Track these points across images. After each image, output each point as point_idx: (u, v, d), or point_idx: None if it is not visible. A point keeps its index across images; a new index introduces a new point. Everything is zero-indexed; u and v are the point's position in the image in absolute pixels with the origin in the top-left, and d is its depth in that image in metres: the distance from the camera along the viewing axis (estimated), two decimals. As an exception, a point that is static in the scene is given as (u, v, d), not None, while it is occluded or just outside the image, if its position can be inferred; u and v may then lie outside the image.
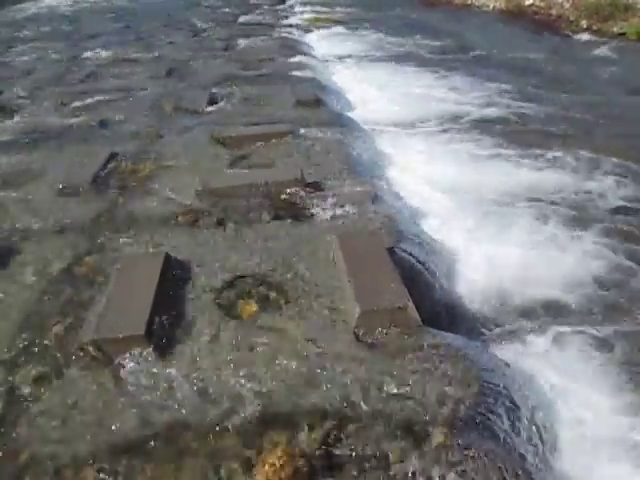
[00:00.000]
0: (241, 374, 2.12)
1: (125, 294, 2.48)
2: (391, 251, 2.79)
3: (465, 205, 3.73)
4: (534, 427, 2.06)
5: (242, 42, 9.02)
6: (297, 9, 14.20)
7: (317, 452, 1.81)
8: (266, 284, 2.64)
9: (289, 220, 3.22)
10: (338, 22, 11.69)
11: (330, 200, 3.39)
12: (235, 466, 1.79)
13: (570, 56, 8.59)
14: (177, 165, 4.08)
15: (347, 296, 2.46)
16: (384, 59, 8.35)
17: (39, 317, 2.51)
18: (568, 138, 5.10)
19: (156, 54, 8.27)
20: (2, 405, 2.07)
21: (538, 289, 2.97)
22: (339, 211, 3.29)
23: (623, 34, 9.62)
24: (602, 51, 8.80)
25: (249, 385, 2.07)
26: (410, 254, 2.94)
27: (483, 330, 2.71)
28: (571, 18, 10.93)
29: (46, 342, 2.36)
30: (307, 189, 3.50)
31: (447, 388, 2.02)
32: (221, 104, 5.61)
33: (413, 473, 1.74)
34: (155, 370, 2.16)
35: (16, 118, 5.46)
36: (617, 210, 3.87)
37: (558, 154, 4.66)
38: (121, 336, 2.24)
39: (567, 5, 11.35)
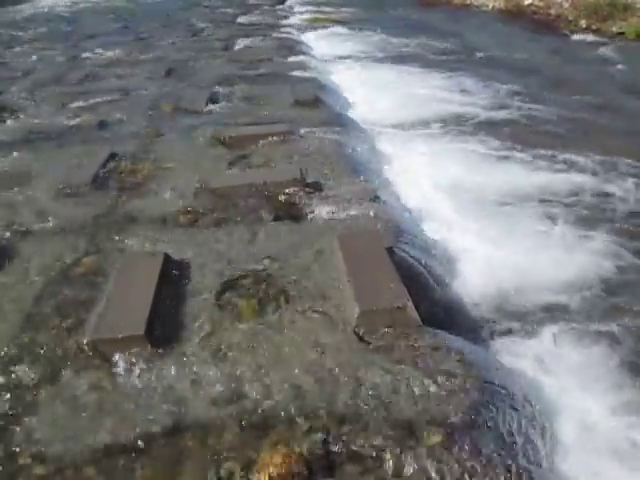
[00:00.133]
0: (241, 374, 2.12)
1: (125, 294, 2.48)
2: (390, 251, 2.78)
3: (467, 206, 3.71)
4: (534, 427, 2.06)
5: (241, 42, 9.02)
6: (296, 9, 14.21)
7: (317, 452, 1.81)
8: (266, 284, 2.64)
9: (289, 220, 3.22)
10: (337, 22, 11.70)
11: (330, 200, 3.39)
12: (235, 466, 1.79)
13: (570, 56, 8.59)
14: (176, 165, 4.08)
15: (347, 296, 2.46)
16: (384, 59, 8.35)
17: (38, 317, 2.51)
18: (574, 139, 5.07)
19: (155, 54, 8.27)
20: (2, 406, 2.07)
21: (540, 290, 2.95)
22: (339, 211, 3.29)
23: (622, 34, 9.63)
24: (602, 51, 8.80)
25: (249, 385, 2.07)
26: (410, 254, 2.94)
27: (483, 330, 2.71)
28: (570, 18, 10.94)
29: (45, 342, 2.35)
30: (307, 189, 3.50)
31: (447, 388, 2.02)
32: (221, 104, 5.61)
33: (411, 473, 1.73)
34: (155, 370, 2.15)
35: (16, 118, 5.46)
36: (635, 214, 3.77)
37: (566, 155, 4.59)
38: (121, 336, 2.24)
39: (566, 5, 11.36)
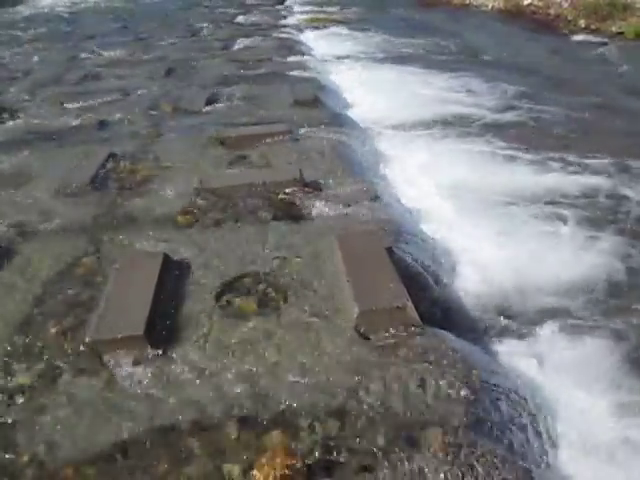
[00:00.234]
0: (241, 374, 2.12)
1: (124, 294, 2.48)
2: (390, 251, 2.78)
3: (468, 206, 3.70)
4: (534, 426, 2.06)
5: (241, 42, 9.02)
6: (296, 9, 14.21)
7: (317, 452, 1.81)
8: (265, 284, 2.64)
9: (288, 220, 3.22)
10: (336, 22, 11.69)
11: (329, 200, 3.39)
12: (235, 467, 1.79)
13: (571, 56, 8.58)
14: (176, 165, 4.07)
15: (346, 296, 2.46)
16: (384, 59, 8.34)
17: (38, 318, 2.51)
18: (578, 139, 5.03)
19: (155, 54, 8.27)
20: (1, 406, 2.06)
21: (542, 291, 2.94)
22: (338, 211, 3.29)
23: (621, 33, 9.62)
24: (602, 51, 8.79)
25: (249, 385, 2.07)
26: (410, 254, 2.94)
27: (483, 330, 2.70)
28: (569, 18, 10.94)
29: (45, 343, 2.35)
30: (306, 189, 3.50)
31: (447, 388, 2.02)
32: (220, 104, 5.61)
33: (411, 473, 1.73)
34: (154, 370, 2.15)
35: (15, 119, 5.46)
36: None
37: (570, 155, 4.55)
38: (120, 336, 2.24)
39: (565, 5, 11.36)
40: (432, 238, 3.32)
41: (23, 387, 2.14)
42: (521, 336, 2.63)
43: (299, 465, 1.76)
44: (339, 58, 8.43)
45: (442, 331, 2.37)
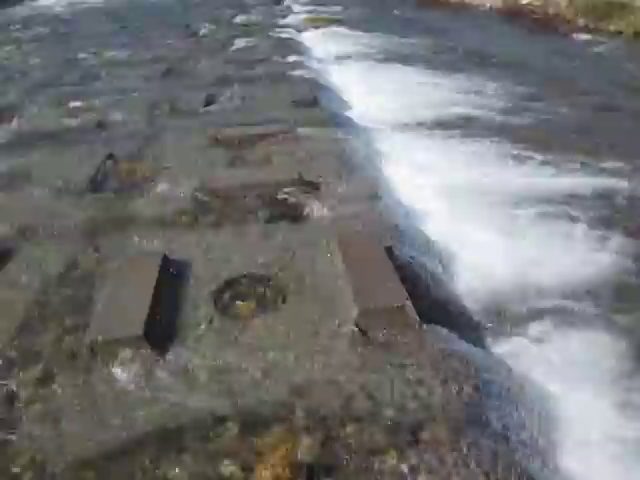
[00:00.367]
0: (240, 374, 2.12)
1: (123, 295, 2.48)
2: (389, 250, 2.78)
3: (467, 206, 3.68)
4: (534, 425, 2.06)
5: (239, 42, 9.03)
6: (294, 9, 14.20)
7: (317, 452, 1.81)
8: (264, 284, 2.64)
9: (287, 220, 3.22)
10: (335, 22, 11.68)
11: (328, 200, 3.39)
12: (235, 467, 1.78)
13: (571, 56, 8.56)
14: (174, 166, 4.07)
15: (346, 295, 2.46)
16: (383, 59, 8.33)
17: (37, 319, 2.51)
18: (581, 139, 5.00)
19: (153, 54, 8.27)
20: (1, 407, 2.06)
21: (542, 291, 2.93)
22: (337, 211, 3.29)
23: (620, 32, 9.63)
24: (602, 50, 8.79)
25: (249, 385, 2.07)
26: (409, 253, 2.94)
27: (482, 329, 2.70)
28: (568, 17, 10.95)
29: (44, 344, 2.35)
30: (305, 189, 3.50)
31: (446, 386, 2.02)
32: (219, 104, 5.61)
33: (411, 471, 1.73)
34: (154, 371, 2.15)
35: (13, 120, 5.45)
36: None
37: (573, 156, 4.50)
38: (119, 337, 2.23)
39: (564, 4, 11.36)
40: (432, 238, 3.32)
41: (21, 388, 2.13)
42: (520, 335, 2.63)
43: (299, 465, 1.76)
44: (338, 58, 8.43)
45: (441, 330, 2.37)
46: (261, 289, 2.61)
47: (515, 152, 4.64)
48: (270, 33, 9.98)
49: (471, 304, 2.83)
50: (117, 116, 5.34)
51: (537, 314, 2.77)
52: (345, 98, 6.29)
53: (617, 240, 3.35)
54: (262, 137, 4.43)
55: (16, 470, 1.82)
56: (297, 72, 6.82)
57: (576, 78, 7.30)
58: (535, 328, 2.67)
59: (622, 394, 2.23)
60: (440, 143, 4.93)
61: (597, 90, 6.69)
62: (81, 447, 1.87)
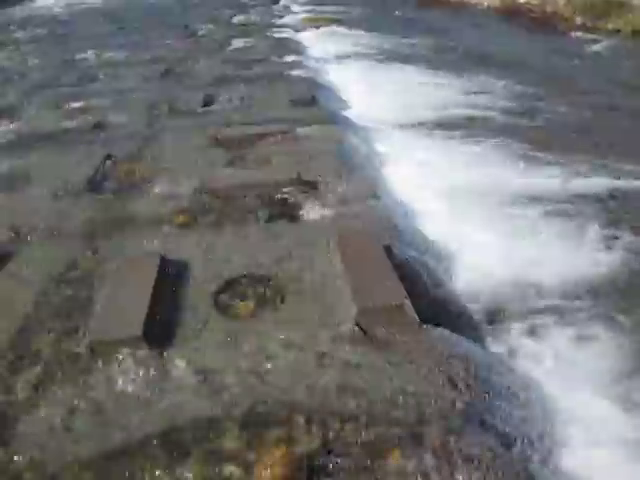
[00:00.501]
0: (239, 374, 2.12)
1: (122, 296, 2.48)
2: (388, 249, 2.78)
3: (467, 206, 3.67)
4: (534, 424, 2.06)
5: (237, 42, 9.02)
6: (292, 9, 14.19)
7: (317, 452, 1.81)
8: (263, 284, 2.64)
9: (286, 220, 3.22)
10: (334, 21, 11.67)
11: (327, 199, 3.39)
12: (235, 467, 1.78)
13: (570, 55, 8.53)
14: (173, 166, 4.07)
15: (345, 294, 2.46)
16: (381, 58, 8.32)
17: (36, 320, 2.50)
18: (584, 139, 5.01)
19: (152, 55, 8.26)
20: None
21: (542, 290, 2.93)
22: (336, 210, 3.29)
23: (618, 31, 9.63)
24: (600, 49, 8.79)
25: (248, 385, 2.07)
26: (408, 252, 2.94)
27: (481, 328, 2.70)
28: (565, 15, 10.95)
29: (43, 345, 2.34)
30: (304, 188, 3.50)
31: (445, 385, 2.02)
32: (217, 104, 5.61)
33: (412, 470, 1.73)
34: (153, 371, 2.15)
35: (11, 121, 5.45)
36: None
37: (577, 156, 4.48)
38: (118, 338, 2.23)
39: (561, 2, 11.37)
40: (430, 237, 3.32)
41: (20, 390, 2.13)
42: (520, 334, 2.63)
43: (299, 465, 1.76)
44: (337, 57, 8.42)
45: (440, 329, 2.37)
46: (260, 289, 2.61)
47: (515, 152, 4.64)
48: (268, 33, 9.97)
49: (470, 303, 2.83)
50: (116, 117, 5.34)
51: (536, 313, 2.77)
52: (344, 97, 6.28)
53: (621, 240, 3.34)
54: (261, 137, 4.43)
55: (16, 471, 1.82)
56: (295, 72, 6.81)
57: (575, 77, 7.30)
58: (534, 327, 2.67)
59: (623, 393, 2.24)
60: (439, 143, 4.92)
61: (596, 89, 6.69)
62: (80, 448, 1.87)
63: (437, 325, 2.39)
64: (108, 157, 4.25)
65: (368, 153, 4.50)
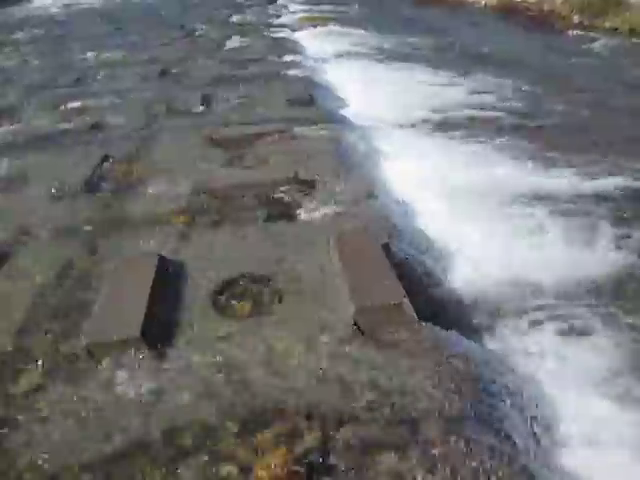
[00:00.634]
0: (238, 374, 2.11)
1: (120, 296, 2.47)
2: (387, 248, 2.78)
3: (466, 205, 3.65)
4: (532, 421, 2.06)
5: (234, 42, 9.01)
6: (289, 8, 14.18)
7: (316, 450, 1.81)
8: (261, 283, 2.64)
9: (284, 219, 3.22)
10: (331, 21, 11.66)
11: (325, 198, 3.38)
12: (234, 467, 1.78)
13: (569, 53, 8.52)
14: (171, 166, 4.07)
15: (343, 293, 2.46)
16: (379, 57, 8.32)
17: (34, 321, 2.50)
18: (578, 138, 5.01)
19: (149, 55, 8.25)
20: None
21: (540, 289, 2.92)
22: (334, 209, 3.29)
23: (615, 29, 9.63)
24: (597, 47, 8.79)
25: (247, 385, 2.06)
26: (406, 251, 2.94)
27: (480, 326, 2.70)
28: (563, 14, 10.95)
29: (42, 346, 2.34)
30: (302, 188, 3.50)
31: (445, 383, 2.02)
32: (214, 104, 5.60)
33: (409, 469, 1.73)
34: (151, 371, 2.15)
35: (8, 122, 5.44)
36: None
37: (578, 155, 4.46)
38: (117, 338, 2.23)
39: (559, 1, 11.37)
40: (429, 236, 3.31)
41: (19, 392, 2.13)
42: (517, 332, 2.63)
43: (298, 463, 1.76)
44: (334, 57, 8.42)
45: (439, 327, 2.37)
46: (258, 288, 2.60)
47: (515, 151, 4.63)
48: (265, 32, 9.97)
49: (469, 301, 2.83)
50: (113, 117, 5.33)
51: (534, 311, 2.77)
52: (342, 97, 6.28)
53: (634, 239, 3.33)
54: (259, 136, 4.43)
55: (16, 471, 1.82)
56: (293, 71, 6.81)
57: (572, 75, 7.30)
58: (533, 326, 2.67)
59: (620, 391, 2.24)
60: (438, 141, 4.92)
61: (594, 87, 6.68)
62: (80, 449, 1.87)
63: (436, 323, 2.39)
64: (106, 158, 4.24)
65: (366, 152, 4.50)
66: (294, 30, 10.62)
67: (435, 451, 1.78)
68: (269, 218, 3.25)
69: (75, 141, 4.75)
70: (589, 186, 4.04)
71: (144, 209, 3.46)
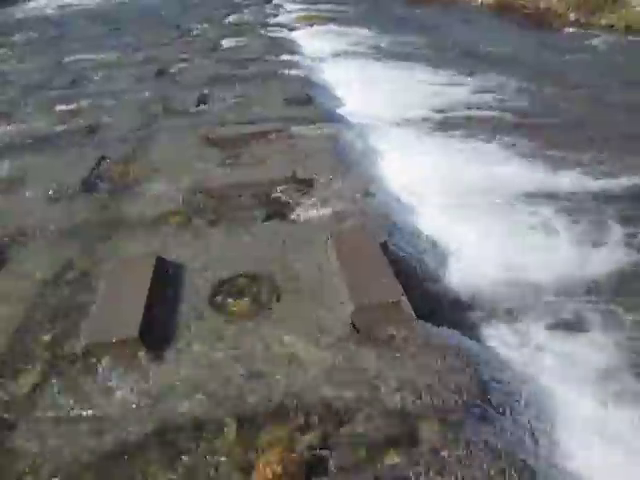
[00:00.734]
0: (236, 374, 2.11)
1: (118, 297, 2.47)
2: (384, 246, 2.78)
3: (465, 205, 3.65)
4: (531, 420, 2.06)
5: (231, 41, 9.01)
6: (285, 8, 14.17)
7: (316, 449, 1.81)
8: (259, 283, 2.63)
9: (281, 218, 3.22)
10: (327, 20, 11.66)
11: (323, 197, 3.38)
12: (234, 465, 1.78)
13: (566, 51, 8.51)
14: (168, 166, 4.06)
15: (341, 292, 2.46)
16: (375, 56, 8.31)
17: (32, 322, 2.50)
18: (575, 134, 5.00)
19: (145, 55, 8.25)
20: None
21: (538, 287, 2.93)
22: (332, 208, 3.29)
23: (611, 26, 9.64)
24: (593, 44, 8.80)
25: (246, 384, 2.06)
26: (404, 249, 2.94)
27: (479, 324, 2.70)
28: (559, 11, 10.96)
29: (40, 347, 2.34)
30: (299, 187, 3.50)
31: (443, 381, 2.02)
32: (211, 104, 5.60)
33: (410, 468, 1.73)
34: (150, 372, 2.15)
35: (5, 124, 5.43)
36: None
37: (573, 154, 4.45)
38: (115, 339, 2.23)
39: (555, -2, 11.38)
40: (427, 234, 3.31)
41: (18, 393, 2.12)
42: (515, 330, 2.63)
43: (298, 462, 1.76)
44: (331, 56, 8.41)
45: (437, 325, 2.37)
46: (256, 288, 2.60)
47: (513, 149, 4.63)
48: (262, 32, 9.96)
49: (466, 299, 2.83)
50: (110, 118, 5.33)
51: (532, 310, 2.77)
52: (339, 95, 6.28)
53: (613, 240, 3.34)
54: (256, 136, 4.42)
55: (16, 472, 1.82)
56: (289, 70, 6.81)
57: (568, 73, 7.31)
58: (532, 325, 2.67)
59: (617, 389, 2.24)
60: (436, 140, 4.92)
61: (591, 84, 6.69)
62: (79, 449, 1.87)
63: (433, 321, 2.40)
64: (103, 158, 4.23)
65: (364, 151, 4.50)
66: (291, 29, 10.61)
67: (434, 450, 1.78)
68: (266, 217, 3.24)
69: (72, 142, 4.75)
70: (590, 184, 4.05)
71: (141, 209, 3.45)
